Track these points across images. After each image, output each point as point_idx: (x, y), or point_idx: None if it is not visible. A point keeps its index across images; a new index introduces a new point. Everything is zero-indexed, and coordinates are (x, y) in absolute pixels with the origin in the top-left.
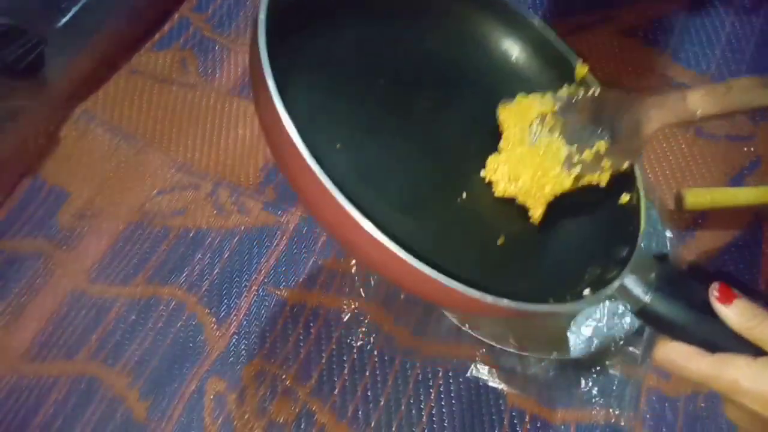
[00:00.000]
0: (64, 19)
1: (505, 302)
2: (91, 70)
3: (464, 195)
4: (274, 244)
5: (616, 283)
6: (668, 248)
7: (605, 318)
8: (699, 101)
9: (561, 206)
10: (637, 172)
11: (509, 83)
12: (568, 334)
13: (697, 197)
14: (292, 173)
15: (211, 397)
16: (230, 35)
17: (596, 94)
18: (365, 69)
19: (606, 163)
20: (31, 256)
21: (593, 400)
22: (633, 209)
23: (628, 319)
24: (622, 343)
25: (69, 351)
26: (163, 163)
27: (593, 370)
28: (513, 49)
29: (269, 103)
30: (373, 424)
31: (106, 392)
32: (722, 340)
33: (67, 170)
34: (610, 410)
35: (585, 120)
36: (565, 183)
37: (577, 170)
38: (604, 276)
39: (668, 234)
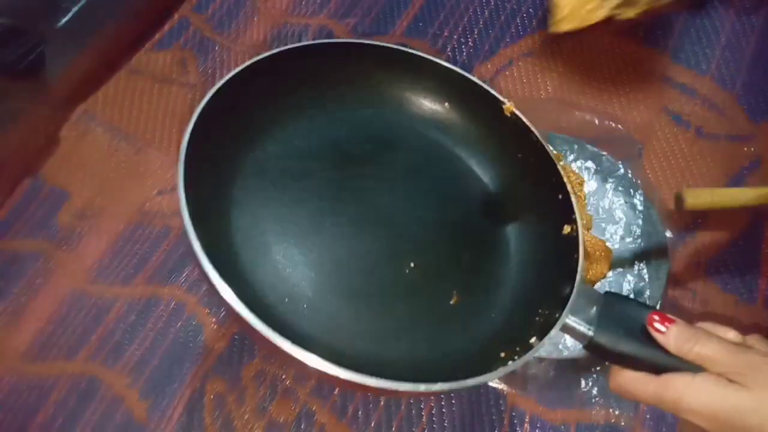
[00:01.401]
0: (64, 19)
1: (437, 386)
2: (91, 70)
3: (412, 264)
4: None
5: (554, 330)
6: (668, 248)
7: None
8: None
9: (513, 249)
10: (574, 201)
11: (443, 139)
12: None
13: (697, 197)
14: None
15: (211, 397)
16: (230, 35)
17: None
18: (306, 167)
19: None
20: (31, 256)
21: (593, 400)
22: (575, 242)
23: None
24: None
25: (69, 351)
26: (163, 163)
27: (593, 370)
28: (439, 105)
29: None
30: (373, 424)
31: (106, 392)
32: (667, 362)
33: (67, 170)
34: (610, 410)
35: None
36: (600, 13)
37: (613, 3)
38: (550, 317)
39: (668, 234)
